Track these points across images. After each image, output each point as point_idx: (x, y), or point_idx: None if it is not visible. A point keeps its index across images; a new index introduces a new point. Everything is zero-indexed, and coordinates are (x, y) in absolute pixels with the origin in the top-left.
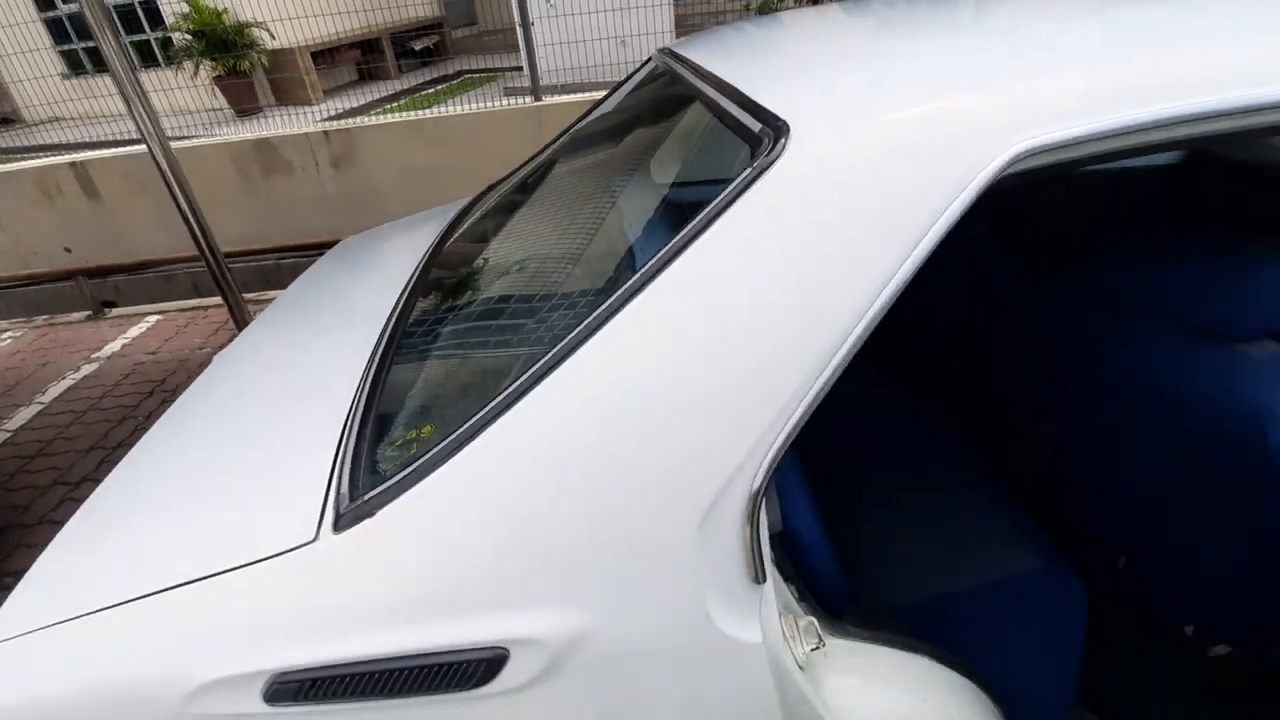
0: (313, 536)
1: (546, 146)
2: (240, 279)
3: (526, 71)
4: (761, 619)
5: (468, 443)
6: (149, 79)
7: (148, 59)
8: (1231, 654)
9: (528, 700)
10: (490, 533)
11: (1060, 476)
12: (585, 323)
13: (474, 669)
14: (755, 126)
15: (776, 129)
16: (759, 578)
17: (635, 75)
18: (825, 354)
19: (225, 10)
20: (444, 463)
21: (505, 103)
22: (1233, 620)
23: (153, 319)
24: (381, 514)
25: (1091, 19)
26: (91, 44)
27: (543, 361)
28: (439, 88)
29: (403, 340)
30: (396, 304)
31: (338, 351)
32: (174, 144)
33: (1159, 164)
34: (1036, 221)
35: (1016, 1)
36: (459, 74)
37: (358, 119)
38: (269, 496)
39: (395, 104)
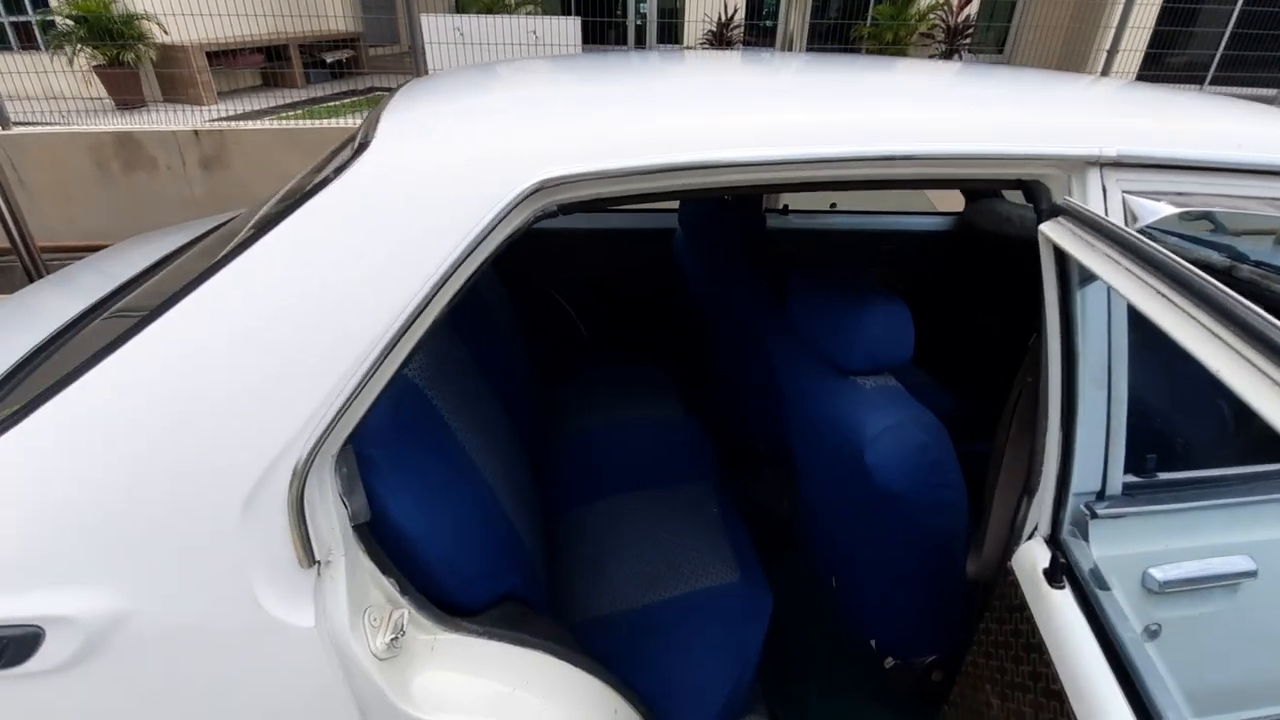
0: None
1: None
2: None
3: None
4: (318, 603)
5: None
6: (23, 62)
7: (29, 42)
8: (897, 665)
9: (71, 680)
10: (19, 513)
11: (794, 501)
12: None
13: (6, 646)
14: (357, 144)
15: (364, 145)
16: (307, 562)
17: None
18: (366, 348)
19: None
20: None
21: None
22: (890, 634)
23: None
24: None
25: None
26: None
27: (92, 354)
28: (343, 101)
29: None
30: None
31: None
32: (20, 130)
33: (861, 227)
34: (781, 272)
35: (621, 70)
36: (370, 90)
37: (234, 124)
38: None
39: (291, 113)
